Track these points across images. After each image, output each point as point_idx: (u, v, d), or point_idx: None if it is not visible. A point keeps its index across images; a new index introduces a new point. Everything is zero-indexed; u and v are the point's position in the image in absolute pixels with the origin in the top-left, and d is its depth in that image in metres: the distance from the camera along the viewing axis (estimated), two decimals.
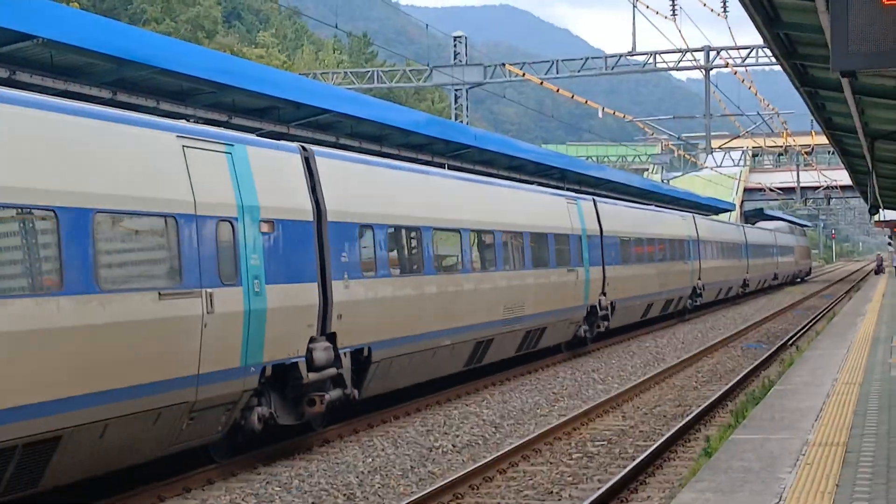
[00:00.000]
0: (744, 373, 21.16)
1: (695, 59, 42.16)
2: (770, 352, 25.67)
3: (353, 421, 16.07)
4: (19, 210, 9.52)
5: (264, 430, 13.00)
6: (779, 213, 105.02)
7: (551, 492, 11.77)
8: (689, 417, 15.51)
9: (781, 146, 67.18)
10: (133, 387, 10.54)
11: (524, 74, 36.35)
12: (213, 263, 11.77)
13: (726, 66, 39.11)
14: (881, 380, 14.89)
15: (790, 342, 28.27)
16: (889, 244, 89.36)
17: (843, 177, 67.13)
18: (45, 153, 9.94)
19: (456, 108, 45.05)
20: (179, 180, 11.54)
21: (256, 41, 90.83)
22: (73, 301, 9.85)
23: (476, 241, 19.58)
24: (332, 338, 14.13)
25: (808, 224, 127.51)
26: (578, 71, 43.81)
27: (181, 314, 11.22)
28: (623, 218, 30.30)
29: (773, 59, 21.17)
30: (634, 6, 33.70)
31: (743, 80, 35.87)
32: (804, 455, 9.59)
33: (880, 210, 52.51)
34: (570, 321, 24.99)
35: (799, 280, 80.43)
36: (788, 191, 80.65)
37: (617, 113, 38.13)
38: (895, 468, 8.91)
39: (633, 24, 39.45)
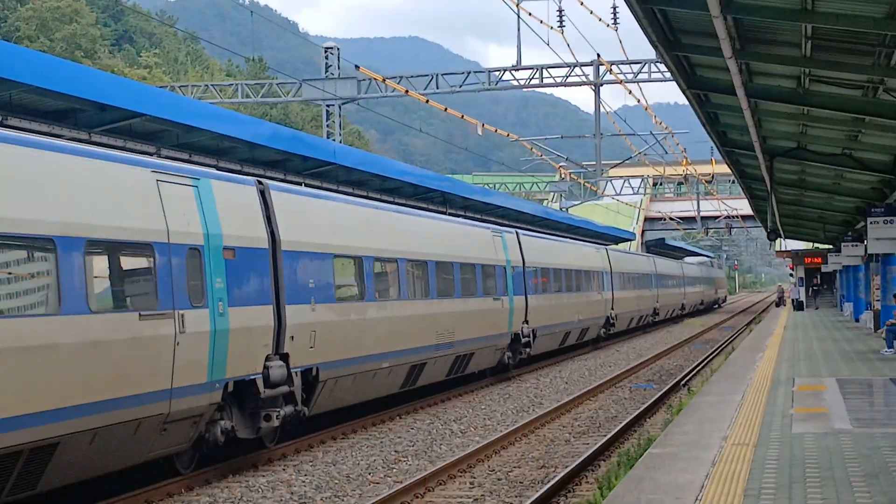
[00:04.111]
0: (622, 425, 18.13)
1: (584, 75, 39.62)
2: (659, 394, 22.83)
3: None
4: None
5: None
6: (681, 244, 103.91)
7: None
8: (545, 489, 12.38)
9: (681, 174, 65.25)
10: None
11: (407, 91, 33.27)
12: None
13: (618, 82, 36.59)
14: (780, 439, 11.99)
15: (682, 382, 25.53)
16: (791, 275, 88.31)
17: (743, 206, 65.42)
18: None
19: (328, 125, 41.75)
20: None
21: (139, 62, 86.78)
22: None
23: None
24: None
25: (712, 255, 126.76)
26: (460, 86, 41.00)
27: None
28: (544, 250, 31.72)
29: (667, 75, 18.43)
30: (518, 16, 30.92)
31: (630, 92, 33.36)
32: None
33: (781, 238, 50.52)
34: (496, 347, 26.66)
35: (717, 306, 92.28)
36: (689, 220, 78.86)
37: (500, 131, 35.37)
38: None
39: (518, 36, 36.80)
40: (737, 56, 13.67)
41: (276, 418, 14.80)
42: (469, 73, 41.92)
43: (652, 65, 38.80)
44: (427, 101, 31.09)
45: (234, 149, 21.97)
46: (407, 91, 32.30)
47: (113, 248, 11.95)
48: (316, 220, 17.31)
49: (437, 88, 40.85)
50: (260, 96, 44.55)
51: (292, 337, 15.48)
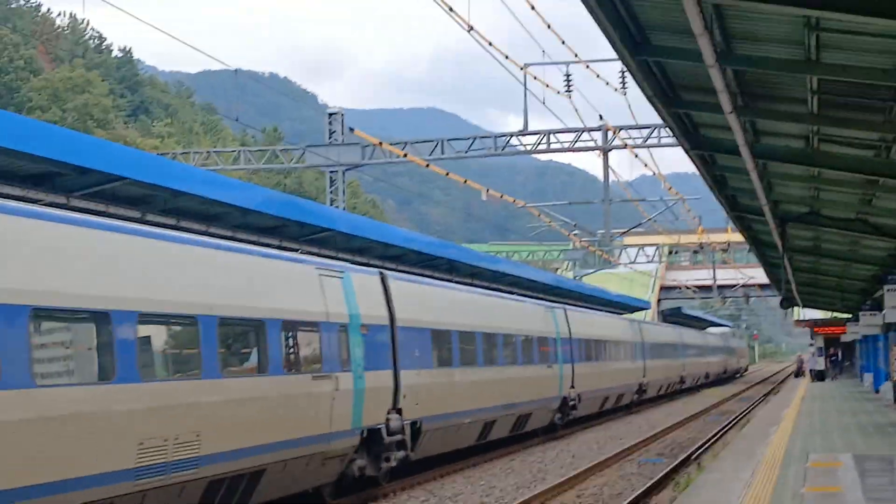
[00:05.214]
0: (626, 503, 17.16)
1: (592, 140, 39.01)
2: (667, 469, 21.80)
3: None
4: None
5: None
6: (700, 314, 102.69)
7: None
8: None
9: (697, 242, 64.49)
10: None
11: (406, 155, 32.79)
12: None
13: (625, 146, 35.96)
14: None
15: (693, 456, 24.49)
16: (811, 345, 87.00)
17: (761, 274, 64.38)
18: None
19: (331, 192, 41.09)
20: None
21: (152, 132, 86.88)
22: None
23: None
24: None
25: (731, 324, 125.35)
26: (466, 152, 40.45)
27: None
28: (586, 323, 35.62)
29: (676, 139, 17.69)
30: (524, 82, 30.32)
31: (637, 156, 32.77)
32: None
33: (797, 307, 49.50)
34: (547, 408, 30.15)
35: (738, 375, 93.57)
36: (706, 289, 77.77)
37: (506, 197, 34.76)
38: None
39: (525, 100, 36.32)
40: (738, 112, 12.92)
41: (394, 460, 18.62)
42: (475, 138, 41.38)
43: (661, 129, 38.16)
44: (427, 166, 30.47)
45: (226, 214, 21.23)
46: (405, 155, 31.78)
47: (296, 327, 15.81)
48: (418, 301, 21.08)
49: (443, 154, 40.30)
50: (263, 162, 44.02)
51: (404, 395, 19.18)
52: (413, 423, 19.64)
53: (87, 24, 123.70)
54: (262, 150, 44.61)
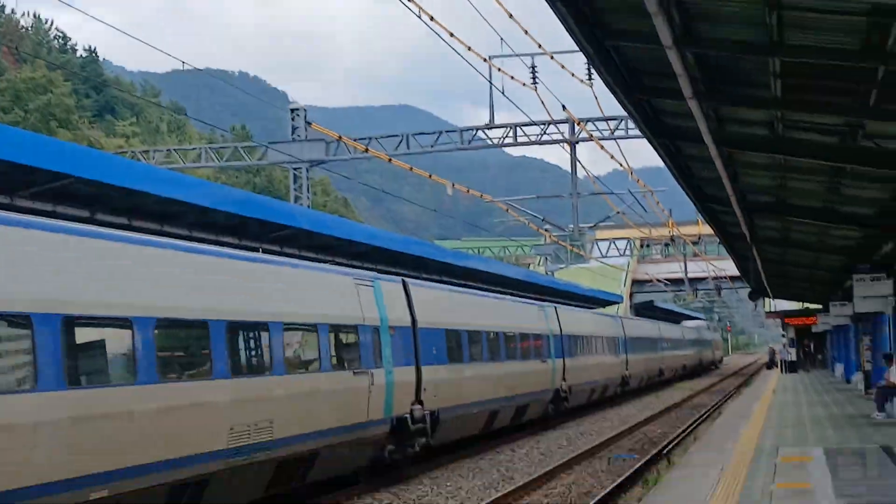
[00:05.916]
0: (593, 502, 16.72)
1: (560, 133, 38.63)
2: (637, 466, 21.41)
3: None
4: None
5: None
6: (674, 307, 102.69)
7: None
8: None
9: (668, 236, 64.26)
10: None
11: (367, 150, 32.27)
12: None
13: (590, 138, 35.60)
14: None
15: (664, 451, 24.10)
16: (783, 336, 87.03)
17: (731, 267, 64.19)
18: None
19: (295, 189, 40.51)
20: None
21: (117, 132, 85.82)
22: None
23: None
24: None
25: (703, 317, 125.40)
26: (432, 146, 39.96)
27: None
28: (574, 320, 37.51)
29: (639, 129, 17.24)
30: (490, 80, 29.83)
31: (602, 147, 32.42)
32: None
33: (769, 298, 49.29)
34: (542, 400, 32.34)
35: (714, 367, 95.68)
36: (677, 282, 77.63)
37: (472, 191, 34.30)
38: None
39: (490, 93, 35.94)
40: (699, 98, 12.49)
41: (417, 446, 20.93)
42: (440, 132, 40.89)
43: (628, 121, 37.75)
44: (390, 161, 29.94)
45: (183, 213, 20.64)
46: (367, 150, 31.22)
47: (340, 330, 18.22)
48: (433, 304, 23.18)
49: (409, 149, 39.85)
50: (225, 160, 43.42)
51: (425, 389, 21.47)
52: (432, 413, 21.84)
53: (52, 24, 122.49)
54: (223, 147, 43.95)
